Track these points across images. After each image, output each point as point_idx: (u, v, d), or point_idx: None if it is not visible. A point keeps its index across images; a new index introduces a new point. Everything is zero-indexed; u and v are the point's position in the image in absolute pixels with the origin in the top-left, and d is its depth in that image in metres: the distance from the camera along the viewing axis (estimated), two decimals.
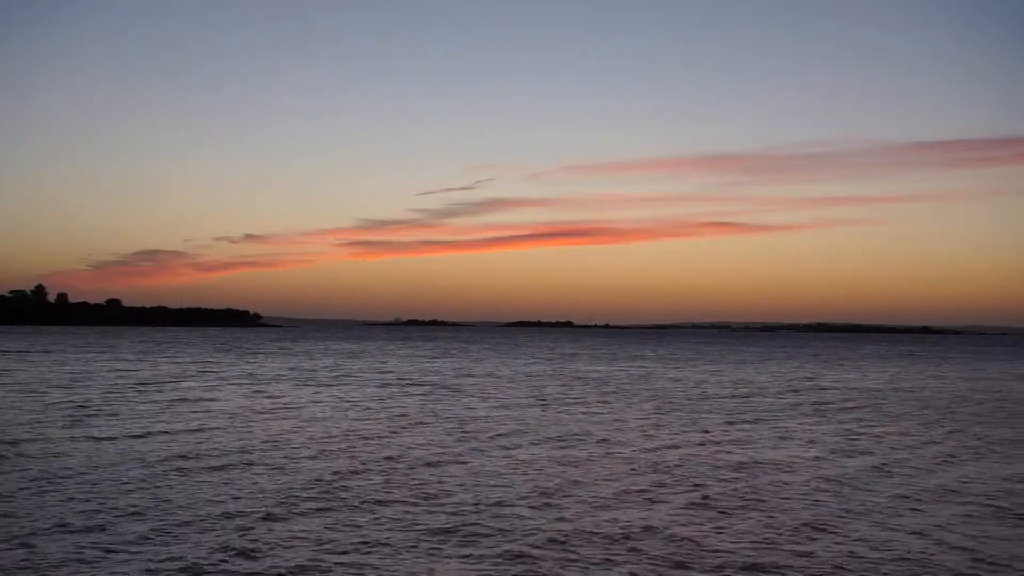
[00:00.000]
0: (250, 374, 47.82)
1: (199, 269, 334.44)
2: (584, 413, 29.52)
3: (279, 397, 33.74)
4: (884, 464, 19.42)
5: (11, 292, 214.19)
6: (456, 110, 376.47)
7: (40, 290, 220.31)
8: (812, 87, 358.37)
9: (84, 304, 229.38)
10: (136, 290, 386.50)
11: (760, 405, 34.03)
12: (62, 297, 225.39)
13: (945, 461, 20.14)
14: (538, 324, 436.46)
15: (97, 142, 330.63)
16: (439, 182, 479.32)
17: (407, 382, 43.77)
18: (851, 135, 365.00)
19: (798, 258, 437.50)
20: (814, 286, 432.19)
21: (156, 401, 30.63)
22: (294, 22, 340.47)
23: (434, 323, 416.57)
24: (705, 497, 15.20)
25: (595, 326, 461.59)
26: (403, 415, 27.86)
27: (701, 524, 13.23)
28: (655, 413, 30.00)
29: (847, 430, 25.91)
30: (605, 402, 34.08)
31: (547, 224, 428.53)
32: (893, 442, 23.31)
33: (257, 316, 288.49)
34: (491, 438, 22.51)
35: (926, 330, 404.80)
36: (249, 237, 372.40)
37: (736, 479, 17.13)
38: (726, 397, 37.76)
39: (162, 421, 24.72)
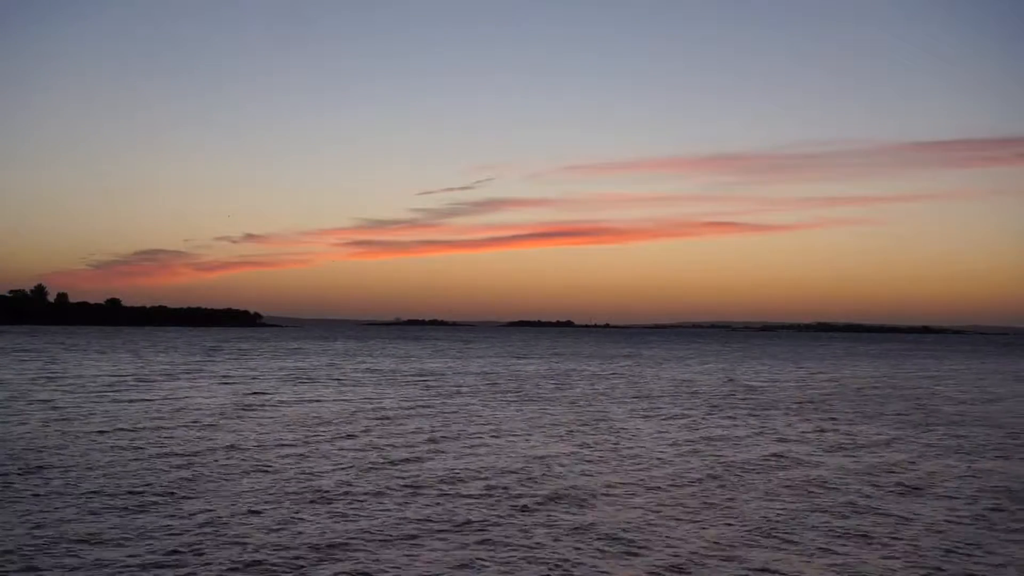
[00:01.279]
0: (218, 374, 48.65)
1: (199, 269, 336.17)
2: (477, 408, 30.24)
3: (237, 396, 34.52)
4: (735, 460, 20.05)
5: (11, 292, 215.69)
6: (456, 110, 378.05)
7: (40, 290, 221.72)
8: (812, 87, 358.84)
9: (84, 304, 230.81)
10: (136, 290, 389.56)
11: (685, 403, 34.67)
12: (62, 297, 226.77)
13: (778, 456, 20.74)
14: (538, 324, 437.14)
15: (97, 142, 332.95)
16: (439, 182, 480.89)
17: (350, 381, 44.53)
18: (851, 135, 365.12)
19: (798, 258, 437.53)
20: (814, 286, 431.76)
21: (107, 400, 31.44)
22: (294, 22, 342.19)
23: (434, 323, 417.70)
24: (511, 495, 15.82)
25: (595, 326, 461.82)
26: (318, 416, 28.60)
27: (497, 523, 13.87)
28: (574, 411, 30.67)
29: (733, 425, 26.52)
30: (506, 400, 34.78)
31: (547, 224, 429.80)
32: (766, 434, 23.92)
33: (257, 316, 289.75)
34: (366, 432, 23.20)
35: (926, 329, 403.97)
36: (249, 237, 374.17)
37: (552, 478, 17.77)
38: (666, 395, 38.43)
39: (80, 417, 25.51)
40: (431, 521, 13.26)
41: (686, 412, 30.89)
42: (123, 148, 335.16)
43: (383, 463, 18.44)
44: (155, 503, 14.09)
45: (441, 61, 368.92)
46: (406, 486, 15.94)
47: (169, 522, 12.84)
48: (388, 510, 13.96)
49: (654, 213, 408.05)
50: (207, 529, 12.50)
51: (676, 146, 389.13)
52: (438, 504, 14.46)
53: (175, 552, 11.31)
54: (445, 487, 15.91)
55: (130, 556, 11.09)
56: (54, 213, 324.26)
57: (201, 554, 11.26)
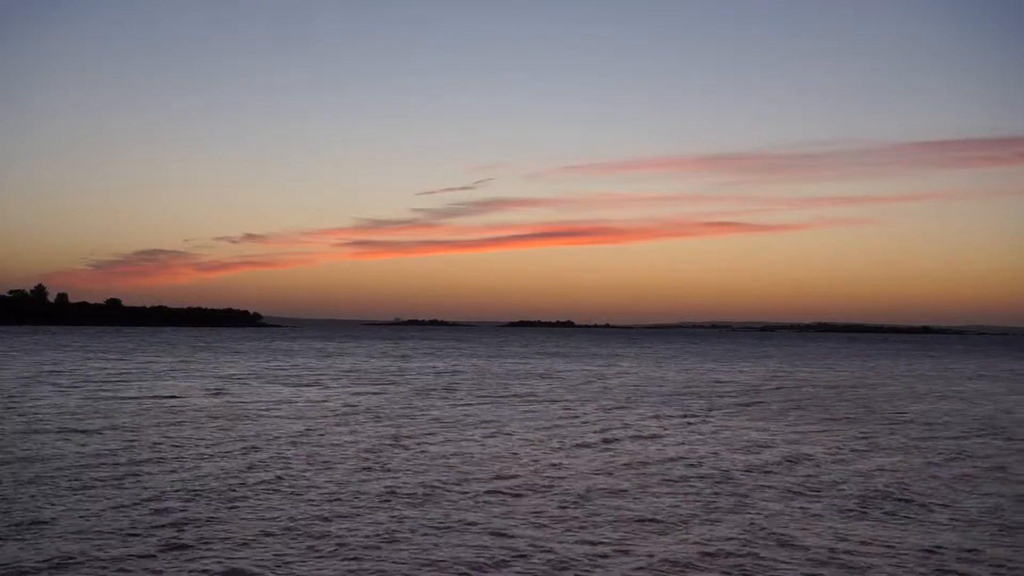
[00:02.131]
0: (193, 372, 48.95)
1: (199, 269, 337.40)
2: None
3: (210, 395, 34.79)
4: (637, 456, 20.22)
5: (11, 292, 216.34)
6: (456, 110, 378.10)
7: (40, 290, 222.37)
8: (812, 87, 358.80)
9: (84, 304, 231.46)
10: (136, 290, 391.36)
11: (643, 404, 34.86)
12: (62, 297, 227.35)
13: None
14: (538, 324, 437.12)
15: (97, 142, 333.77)
16: (439, 182, 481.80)
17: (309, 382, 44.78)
18: (851, 135, 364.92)
19: (798, 258, 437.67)
20: (814, 286, 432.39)
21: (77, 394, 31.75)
22: (294, 22, 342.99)
23: (434, 323, 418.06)
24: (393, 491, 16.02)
25: (596, 326, 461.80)
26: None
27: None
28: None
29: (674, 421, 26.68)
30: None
31: (547, 224, 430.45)
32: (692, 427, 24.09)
33: (257, 316, 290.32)
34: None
35: (926, 330, 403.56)
36: (249, 237, 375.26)
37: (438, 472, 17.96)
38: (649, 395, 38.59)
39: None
40: (348, 517, 13.48)
41: (644, 410, 31.04)
42: (123, 148, 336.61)
43: (330, 460, 18.65)
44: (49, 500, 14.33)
45: (441, 61, 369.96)
46: (343, 482, 16.16)
47: (68, 519, 13.08)
48: (297, 506, 14.17)
49: (654, 213, 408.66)
50: (89, 531, 12.73)
51: (676, 146, 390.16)
52: (368, 502, 14.68)
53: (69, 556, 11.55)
54: (382, 484, 16.13)
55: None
56: (54, 213, 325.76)
57: (108, 548, 11.48)
